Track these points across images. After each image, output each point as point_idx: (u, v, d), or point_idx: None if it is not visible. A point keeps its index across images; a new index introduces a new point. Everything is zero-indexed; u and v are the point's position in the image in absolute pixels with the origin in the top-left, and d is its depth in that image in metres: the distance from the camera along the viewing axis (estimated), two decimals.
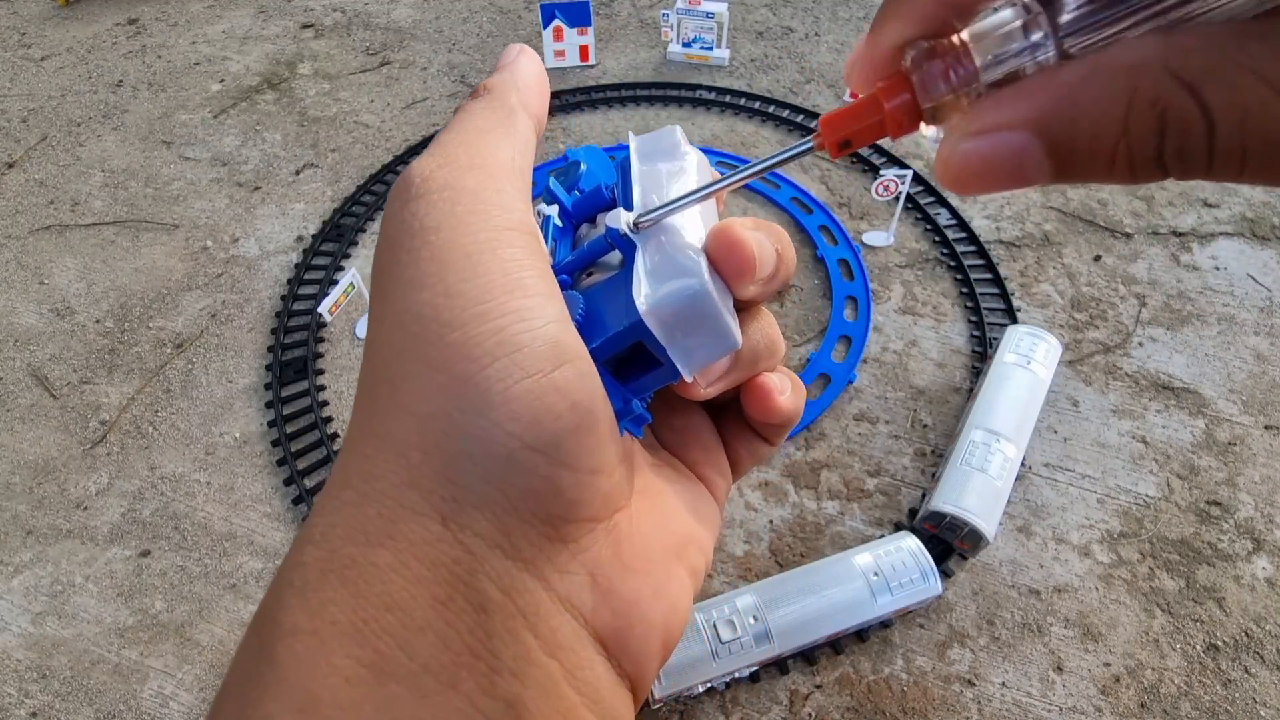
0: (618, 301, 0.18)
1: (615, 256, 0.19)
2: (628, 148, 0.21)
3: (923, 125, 0.16)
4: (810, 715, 0.68)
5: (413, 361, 0.16)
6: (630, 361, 0.18)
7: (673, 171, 0.19)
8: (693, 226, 0.19)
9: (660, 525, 0.19)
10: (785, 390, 0.21)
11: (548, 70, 1.33)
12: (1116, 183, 0.14)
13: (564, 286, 0.18)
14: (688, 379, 0.19)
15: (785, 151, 0.17)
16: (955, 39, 0.16)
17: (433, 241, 0.16)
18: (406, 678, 0.14)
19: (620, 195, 0.20)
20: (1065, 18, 0.14)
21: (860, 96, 0.16)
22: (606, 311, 0.18)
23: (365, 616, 0.14)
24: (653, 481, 0.20)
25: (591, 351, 0.17)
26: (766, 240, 0.19)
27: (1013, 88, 0.14)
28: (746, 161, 1.18)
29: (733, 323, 0.18)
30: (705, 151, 1.23)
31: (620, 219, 0.18)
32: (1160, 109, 0.12)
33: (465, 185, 0.18)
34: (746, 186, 1.13)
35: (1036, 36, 0.15)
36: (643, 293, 0.17)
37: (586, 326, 0.18)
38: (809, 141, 0.16)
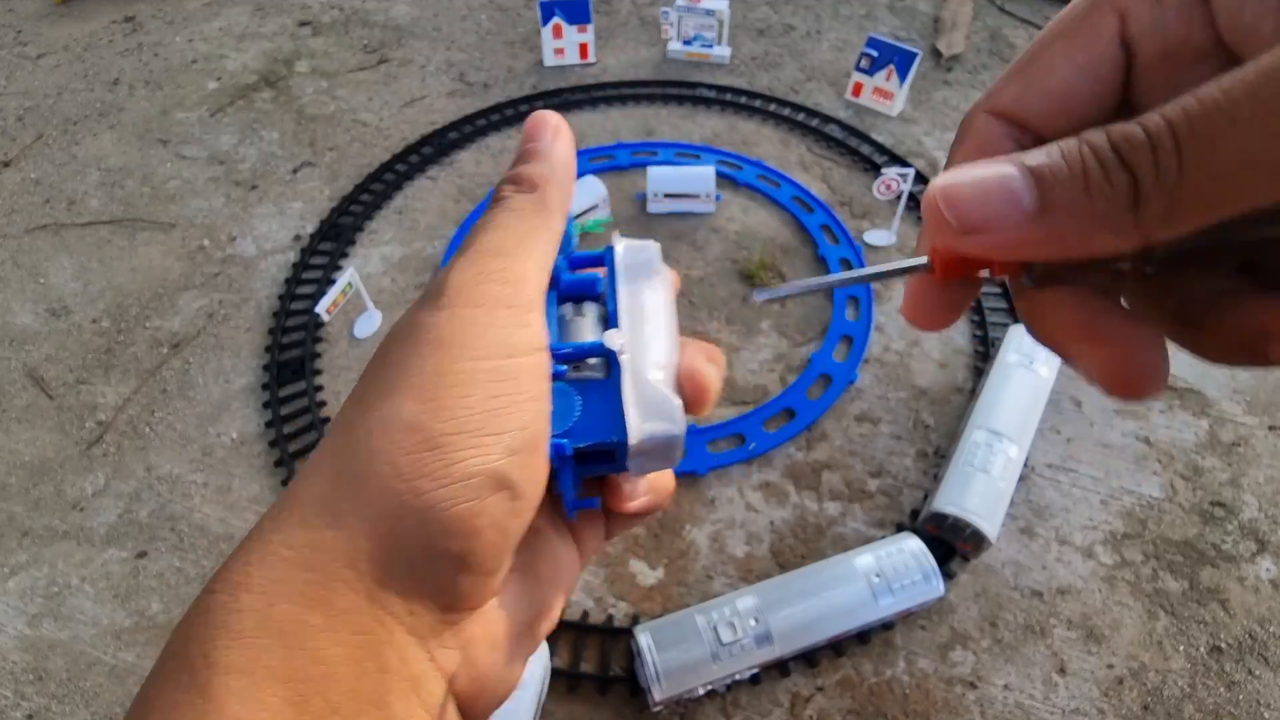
0: (609, 412, 0.22)
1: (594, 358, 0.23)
2: (613, 250, 0.25)
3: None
4: (811, 717, 0.67)
5: (387, 463, 0.18)
6: (592, 454, 0.22)
7: (650, 290, 0.24)
8: (666, 339, 0.23)
9: (522, 601, 0.22)
10: (637, 496, 0.25)
11: (546, 68, 1.32)
12: (1108, 233, 0.15)
13: (557, 376, 0.22)
14: (632, 476, 0.24)
15: (889, 265, 0.21)
16: None
17: (440, 358, 0.19)
18: (321, 715, 0.17)
19: (609, 297, 0.24)
20: None
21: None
22: (597, 416, 0.22)
23: (295, 666, 0.17)
24: (528, 546, 0.22)
25: (574, 448, 0.21)
26: (720, 375, 0.23)
27: None
28: (745, 159, 1.16)
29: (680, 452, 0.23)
30: (706, 150, 1.22)
31: (616, 342, 0.22)
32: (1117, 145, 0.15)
33: (491, 302, 0.20)
34: (747, 184, 1.12)
35: None
36: (633, 424, 0.21)
37: (580, 423, 0.22)
38: (923, 261, 0.20)
